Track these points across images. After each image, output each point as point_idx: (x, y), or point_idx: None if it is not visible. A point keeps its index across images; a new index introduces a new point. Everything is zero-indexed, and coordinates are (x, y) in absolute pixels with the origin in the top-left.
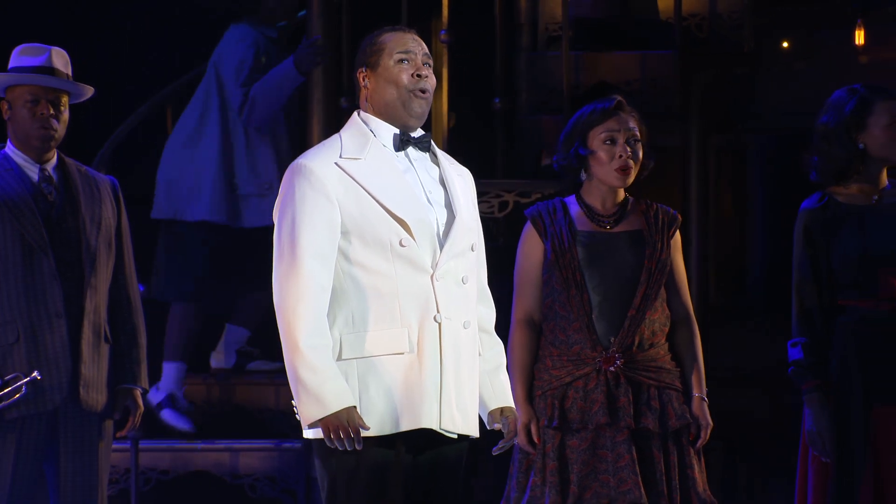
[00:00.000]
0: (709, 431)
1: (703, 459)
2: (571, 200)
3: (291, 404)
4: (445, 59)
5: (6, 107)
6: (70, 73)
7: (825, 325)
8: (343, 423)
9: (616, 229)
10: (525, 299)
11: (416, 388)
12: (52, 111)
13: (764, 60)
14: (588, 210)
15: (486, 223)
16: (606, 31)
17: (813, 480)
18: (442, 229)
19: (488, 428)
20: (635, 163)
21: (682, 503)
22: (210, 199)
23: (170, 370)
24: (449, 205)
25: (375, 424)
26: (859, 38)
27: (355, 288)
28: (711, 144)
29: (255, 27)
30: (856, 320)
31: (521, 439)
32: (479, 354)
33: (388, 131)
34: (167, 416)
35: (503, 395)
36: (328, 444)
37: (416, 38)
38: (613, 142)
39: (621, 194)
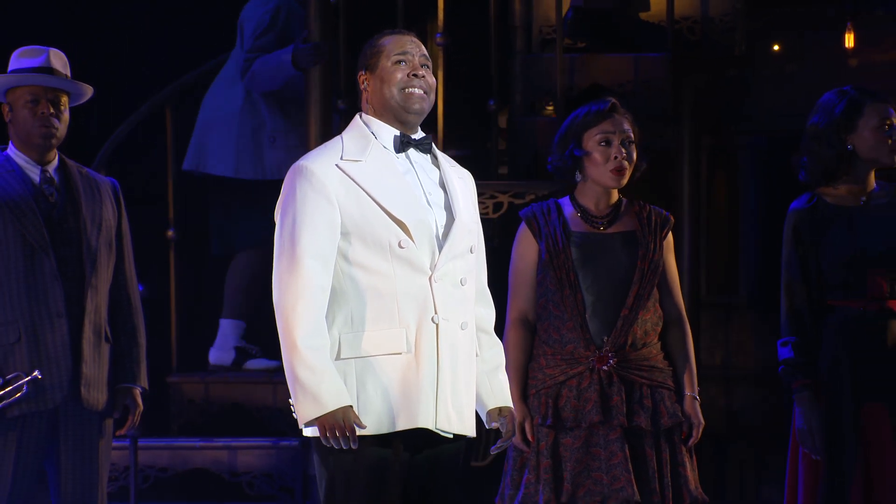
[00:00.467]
0: (700, 430)
1: (694, 457)
2: (565, 201)
3: (289, 403)
4: (441, 61)
5: (7, 109)
6: (69, 73)
7: (815, 325)
8: (339, 422)
9: (609, 230)
10: (519, 299)
11: (413, 387)
12: (52, 110)
13: (755, 63)
14: (582, 211)
15: (481, 224)
16: (604, 26)
17: (803, 478)
18: (441, 231)
19: (487, 427)
20: (630, 164)
21: (674, 501)
22: (237, 156)
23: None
24: (448, 207)
25: (373, 423)
26: (849, 40)
27: (354, 288)
28: (704, 146)
29: None
30: (844, 320)
31: (515, 437)
32: (478, 355)
33: (388, 133)
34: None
35: (502, 394)
36: (324, 442)
37: (415, 40)
38: (609, 143)
39: (615, 195)
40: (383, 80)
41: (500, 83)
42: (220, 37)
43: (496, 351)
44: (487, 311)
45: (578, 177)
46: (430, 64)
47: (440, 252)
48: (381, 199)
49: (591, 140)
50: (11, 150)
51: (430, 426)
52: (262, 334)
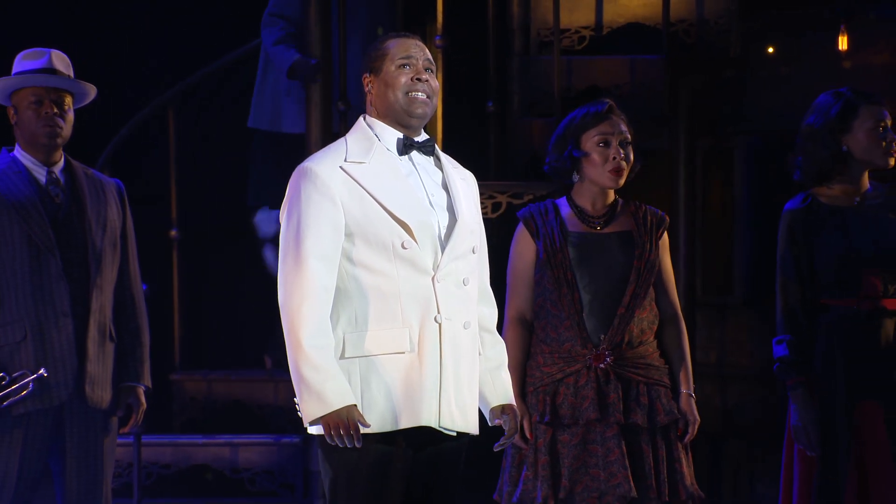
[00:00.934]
0: (696, 427)
1: (690, 454)
2: (563, 202)
3: (293, 401)
4: (440, 63)
5: (12, 112)
6: (72, 74)
7: (809, 324)
8: (343, 420)
9: (606, 230)
10: (517, 298)
11: (417, 386)
12: (55, 110)
13: (750, 65)
14: (579, 211)
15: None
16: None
17: (798, 475)
18: (443, 232)
19: (490, 425)
20: (627, 164)
21: (670, 496)
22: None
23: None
24: (451, 208)
25: (376, 421)
26: (843, 43)
27: (358, 288)
28: (699, 147)
29: None
30: (839, 319)
31: None
32: (481, 353)
33: (392, 136)
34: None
35: (504, 393)
36: (328, 441)
37: (419, 43)
38: (607, 144)
39: (611, 196)
40: (387, 84)
41: (498, 85)
42: (220, 37)
43: (499, 350)
44: (490, 311)
45: (575, 177)
46: (433, 68)
47: (443, 252)
48: (385, 200)
49: (590, 141)
50: (18, 152)
51: (434, 424)
52: None
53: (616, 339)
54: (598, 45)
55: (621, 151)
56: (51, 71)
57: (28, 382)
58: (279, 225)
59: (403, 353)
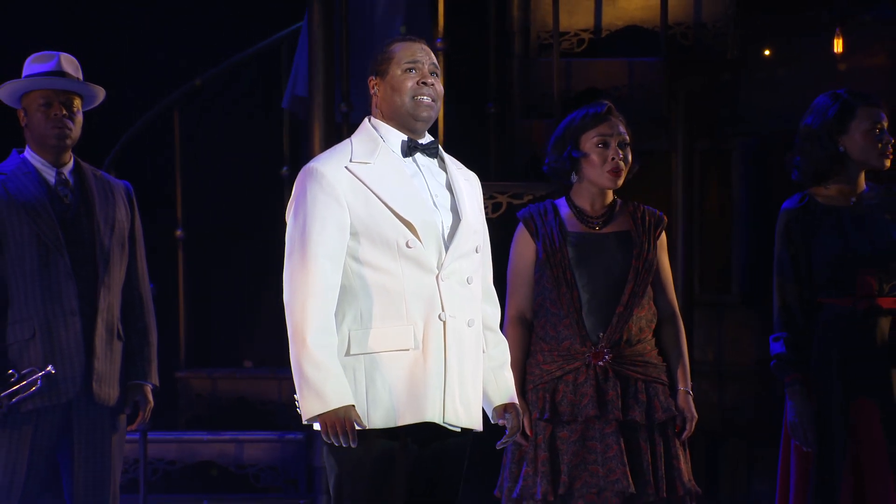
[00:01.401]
0: (694, 424)
1: (688, 451)
2: (562, 202)
3: (294, 398)
4: (441, 65)
5: (22, 114)
6: (81, 77)
7: (805, 322)
8: (340, 419)
9: (605, 230)
10: (517, 297)
11: (421, 382)
12: (64, 112)
13: (747, 67)
14: (578, 212)
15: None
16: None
17: (795, 471)
18: (447, 232)
19: (493, 423)
20: (626, 165)
21: (668, 492)
22: None
23: None
24: (455, 208)
25: (381, 417)
26: (838, 45)
27: (364, 286)
28: (697, 148)
29: None
30: (834, 317)
31: None
32: (484, 352)
33: (396, 137)
34: None
35: (507, 391)
36: (325, 438)
37: (425, 48)
38: (606, 145)
39: (610, 196)
40: (393, 88)
41: (498, 86)
42: (220, 37)
43: (502, 349)
44: (493, 310)
45: (574, 178)
46: (438, 72)
47: (446, 252)
48: (389, 200)
49: (589, 142)
50: (28, 154)
51: (438, 420)
52: None
53: (615, 338)
54: (597, 48)
55: (620, 152)
56: (60, 74)
57: (36, 379)
58: None
59: (408, 349)
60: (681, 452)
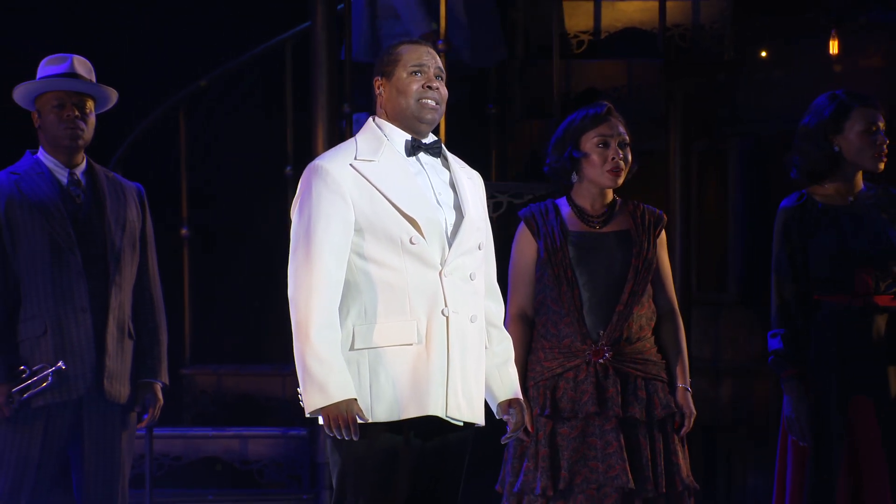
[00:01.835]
0: (692, 420)
1: (686, 446)
2: (562, 202)
3: (297, 392)
4: (443, 66)
5: (36, 115)
6: (93, 79)
7: (803, 318)
8: (342, 413)
9: (605, 229)
10: (519, 295)
11: (424, 377)
12: (77, 113)
13: (744, 69)
14: (578, 211)
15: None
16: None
17: (792, 466)
18: (450, 229)
19: (497, 418)
20: (626, 165)
21: (667, 488)
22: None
23: None
24: (458, 206)
25: (385, 411)
26: (833, 47)
27: (368, 282)
28: (695, 148)
29: None
30: (831, 315)
31: None
32: (487, 348)
33: (400, 137)
34: None
35: (511, 387)
36: (327, 432)
37: (431, 51)
38: (606, 145)
39: (610, 195)
40: (399, 90)
41: (499, 87)
42: (220, 37)
43: (506, 345)
44: (496, 307)
45: (575, 178)
46: (443, 75)
47: (449, 248)
48: (393, 197)
49: (589, 142)
50: (41, 154)
51: (441, 414)
52: None
53: (615, 335)
54: (596, 49)
55: (620, 152)
56: (72, 75)
57: (47, 375)
58: None
59: (411, 344)
60: (679, 448)
